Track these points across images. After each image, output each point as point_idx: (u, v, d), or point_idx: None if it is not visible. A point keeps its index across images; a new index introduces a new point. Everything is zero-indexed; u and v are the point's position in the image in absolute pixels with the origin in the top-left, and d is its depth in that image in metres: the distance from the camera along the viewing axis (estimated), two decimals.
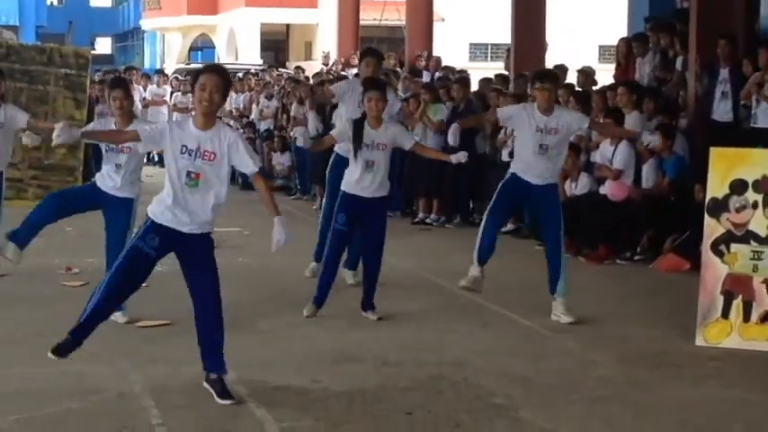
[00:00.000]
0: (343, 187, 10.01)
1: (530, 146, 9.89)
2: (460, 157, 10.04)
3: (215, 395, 7.32)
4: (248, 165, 7.40)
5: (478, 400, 7.54)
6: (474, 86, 18.14)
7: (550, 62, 18.22)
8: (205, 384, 7.41)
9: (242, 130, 23.96)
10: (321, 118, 18.68)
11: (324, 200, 11.95)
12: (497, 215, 10.24)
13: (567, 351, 8.98)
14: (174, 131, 7.28)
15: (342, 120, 11.14)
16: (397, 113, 12.37)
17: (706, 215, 9.32)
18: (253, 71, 28.59)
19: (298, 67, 29.57)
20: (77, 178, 18.75)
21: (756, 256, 9.12)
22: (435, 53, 23.49)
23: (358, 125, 9.82)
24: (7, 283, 11.54)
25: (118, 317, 9.72)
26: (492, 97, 16.41)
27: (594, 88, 15.99)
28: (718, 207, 9.25)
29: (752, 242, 9.14)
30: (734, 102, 13.77)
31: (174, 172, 7.25)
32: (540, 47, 19.23)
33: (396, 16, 31.59)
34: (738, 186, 9.19)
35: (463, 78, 17.99)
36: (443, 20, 37.98)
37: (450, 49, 34.51)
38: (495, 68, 23.06)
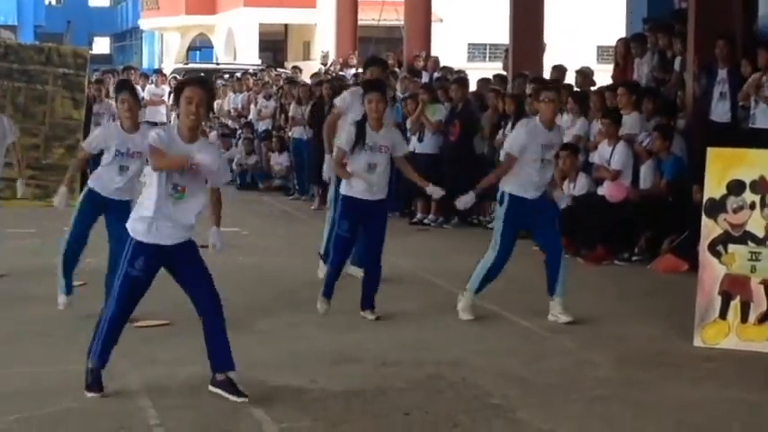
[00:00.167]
0: (343, 191, 9.99)
1: (534, 161, 9.82)
2: (436, 192, 10.01)
3: (229, 395, 7.31)
4: (218, 182, 7.49)
5: (476, 401, 7.54)
6: (472, 87, 18.14)
7: (549, 63, 18.23)
8: (213, 389, 7.39)
9: (240, 131, 23.98)
10: (319, 119, 18.65)
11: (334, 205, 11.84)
12: (507, 250, 10.04)
13: (565, 351, 8.99)
14: (165, 147, 7.23)
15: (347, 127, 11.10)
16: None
17: (703, 216, 9.33)
18: (251, 71, 28.59)
19: (295, 67, 29.57)
20: (76, 178, 18.71)
21: (754, 257, 9.12)
22: (434, 53, 23.49)
23: (360, 127, 9.82)
24: (6, 283, 11.55)
25: None
26: (490, 98, 16.42)
27: (593, 89, 16.00)
28: (716, 208, 9.25)
29: (749, 243, 9.15)
30: (732, 102, 13.77)
31: (161, 184, 7.23)
32: (539, 47, 19.23)
33: (394, 16, 31.59)
34: (736, 187, 9.19)
35: (461, 79, 17.99)
36: (442, 20, 37.97)
37: (449, 49, 34.50)
38: (493, 69, 23.06)
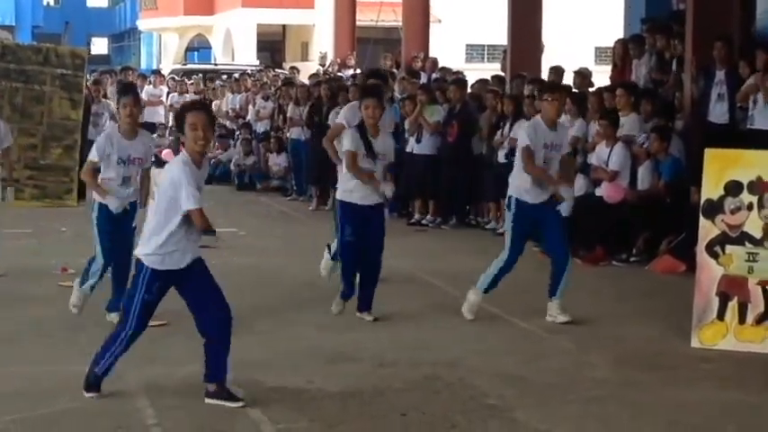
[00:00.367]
0: (339, 196, 9.97)
1: (537, 161, 9.78)
2: (387, 190, 9.96)
3: (225, 402, 7.30)
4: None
5: (473, 401, 7.55)
6: (470, 88, 18.13)
7: (547, 64, 18.23)
8: (211, 401, 7.36)
9: (238, 131, 23.98)
10: (317, 120, 18.68)
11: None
12: (517, 253, 10.02)
13: (562, 352, 8.99)
14: (192, 174, 7.22)
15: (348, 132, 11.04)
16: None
17: (701, 217, 9.33)
18: (249, 72, 28.58)
19: (293, 68, 29.56)
20: (73, 179, 18.75)
21: (751, 258, 9.12)
22: (432, 54, 23.48)
23: (362, 133, 9.80)
24: (4, 283, 11.54)
25: (113, 317, 9.72)
26: (488, 98, 16.42)
27: (591, 90, 15.99)
28: (713, 208, 9.25)
29: (747, 244, 9.15)
30: (730, 104, 13.77)
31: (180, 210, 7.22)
32: (537, 48, 19.23)
33: (392, 17, 31.62)
34: (733, 188, 9.19)
35: (459, 80, 17.99)
36: (440, 21, 37.96)
37: (447, 50, 34.48)
38: (491, 70, 23.07)
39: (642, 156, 13.66)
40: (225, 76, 29.11)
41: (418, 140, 16.82)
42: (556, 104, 9.82)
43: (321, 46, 35.36)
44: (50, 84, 18.58)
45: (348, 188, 9.86)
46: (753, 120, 13.24)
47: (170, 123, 27.52)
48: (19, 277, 11.83)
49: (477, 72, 23.63)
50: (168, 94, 27.90)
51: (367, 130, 9.84)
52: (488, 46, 43.15)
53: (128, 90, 10.17)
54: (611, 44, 18.41)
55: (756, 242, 9.13)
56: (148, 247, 7.31)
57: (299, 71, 27.75)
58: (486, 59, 42.82)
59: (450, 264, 13.22)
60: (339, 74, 24.23)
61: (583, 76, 16.81)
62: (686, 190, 12.73)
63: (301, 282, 11.59)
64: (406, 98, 17.45)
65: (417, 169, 16.81)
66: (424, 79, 20.62)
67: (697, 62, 14.34)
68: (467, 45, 44.47)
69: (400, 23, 25.39)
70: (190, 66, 37.48)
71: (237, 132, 24.12)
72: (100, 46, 69.01)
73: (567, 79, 17.01)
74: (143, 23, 52.81)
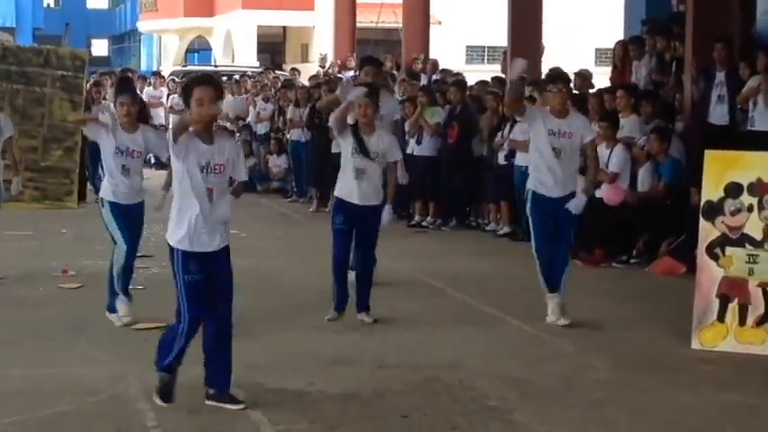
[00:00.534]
0: (336, 193, 9.95)
1: (543, 150, 9.77)
2: (385, 219, 9.91)
3: (225, 405, 7.28)
4: (241, 175, 7.48)
5: (474, 403, 7.55)
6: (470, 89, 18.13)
7: (547, 65, 18.22)
8: (211, 402, 7.34)
9: (238, 134, 23.97)
10: (318, 121, 18.67)
11: None
12: (543, 235, 9.92)
13: (563, 354, 8.98)
14: (191, 147, 7.13)
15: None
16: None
17: (701, 218, 9.33)
18: (249, 73, 28.58)
19: (293, 69, 29.55)
20: (73, 180, 18.77)
21: (752, 260, 9.12)
22: (432, 56, 23.48)
23: (354, 131, 9.75)
24: (4, 285, 11.54)
25: (114, 319, 9.73)
26: (489, 100, 16.42)
27: (591, 91, 16.00)
28: (714, 210, 9.25)
29: (747, 245, 9.15)
30: (730, 105, 13.77)
31: (198, 190, 7.14)
32: (537, 50, 19.21)
33: (392, 19, 31.58)
34: (733, 189, 9.19)
35: (460, 81, 18.00)
36: (440, 22, 37.93)
37: (447, 51, 34.46)
38: (491, 71, 23.05)
39: (642, 157, 13.66)
40: (225, 78, 29.11)
41: (419, 142, 16.83)
42: (559, 96, 9.77)
43: (321, 47, 35.35)
44: (51, 85, 18.59)
45: (346, 189, 9.78)
46: (753, 121, 13.25)
47: (170, 125, 27.55)
48: (19, 279, 11.84)
49: (477, 74, 23.63)
50: (168, 95, 27.90)
51: (360, 129, 9.80)
52: (488, 47, 43.10)
53: (124, 88, 10.16)
54: (612, 45, 18.41)
55: (757, 244, 9.13)
56: (175, 232, 7.23)
57: (299, 73, 27.74)
58: (486, 61, 42.80)
59: (450, 265, 13.23)
60: (339, 75, 24.22)
61: (583, 77, 16.81)
62: (686, 191, 12.72)
63: (302, 284, 11.59)
64: (407, 100, 17.44)
65: (418, 171, 16.76)
66: (424, 81, 20.63)
67: (697, 64, 14.34)
68: (467, 46, 44.43)
69: (400, 25, 25.40)
70: (190, 67, 37.43)
71: (238, 134, 24.12)
72: (100, 47, 69.01)
73: None
74: (143, 25, 52.79)
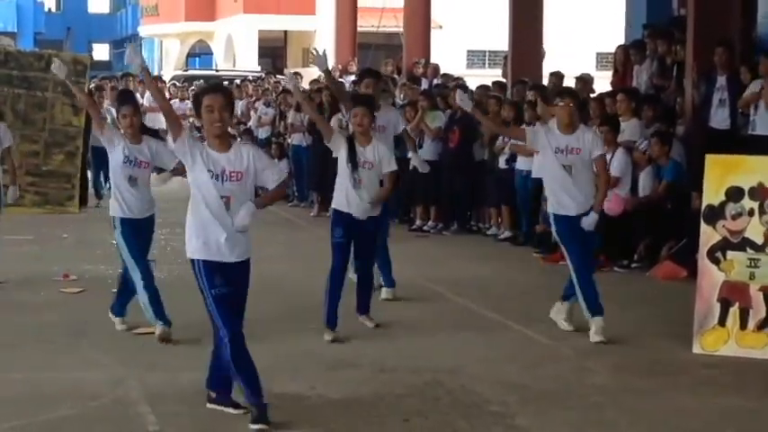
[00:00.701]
0: (333, 205, 9.82)
1: (554, 168, 9.61)
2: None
3: (226, 408, 7.27)
4: (267, 182, 7.25)
5: (475, 407, 7.55)
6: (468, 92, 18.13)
7: (548, 69, 18.24)
8: (213, 406, 7.33)
9: (239, 138, 23.98)
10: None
11: None
12: (578, 255, 9.63)
13: (563, 358, 8.99)
14: (198, 155, 7.05)
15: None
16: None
17: (702, 222, 9.33)
18: (250, 78, 28.59)
19: (296, 73, 29.55)
20: (75, 185, 18.78)
21: (753, 264, 9.12)
22: (433, 60, 23.49)
23: (349, 141, 9.64)
24: (6, 289, 11.55)
25: (117, 322, 9.71)
26: (491, 104, 16.42)
27: (592, 95, 16.00)
28: (715, 214, 9.25)
29: (748, 250, 9.15)
30: (731, 109, 13.77)
31: (209, 198, 7.03)
32: (538, 54, 19.25)
33: (393, 23, 31.58)
34: (734, 193, 9.20)
35: (460, 86, 18.00)
36: (441, 27, 37.94)
37: (448, 56, 34.45)
38: (492, 75, 23.07)
39: (643, 162, 13.66)
40: (226, 83, 29.13)
41: (420, 146, 16.83)
42: (567, 110, 9.62)
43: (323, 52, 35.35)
44: (52, 90, 18.59)
45: (343, 200, 9.65)
46: (754, 125, 13.25)
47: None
48: (20, 284, 11.84)
49: (478, 78, 23.64)
50: (170, 100, 27.90)
51: (355, 139, 9.68)
52: (489, 52, 43.14)
53: (126, 99, 10.10)
54: (613, 50, 18.42)
55: (758, 248, 9.13)
56: (190, 242, 7.11)
57: (302, 77, 27.76)
58: (487, 65, 42.84)
59: (451, 270, 13.23)
60: (340, 80, 24.23)
61: (584, 81, 16.83)
62: (687, 195, 12.72)
63: (303, 288, 11.58)
64: (408, 104, 17.45)
65: (418, 175, 16.76)
66: (425, 85, 20.64)
67: (698, 68, 14.34)
68: (468, 51, 44.46)
69: (401, 29, 25.41)
70: (191, 72, 37.49)
71: (239, 139, 24.14)
72: (101, 52, 69.02)
73: (569, 85, 17.04)
74: (144, 29, 52.83)
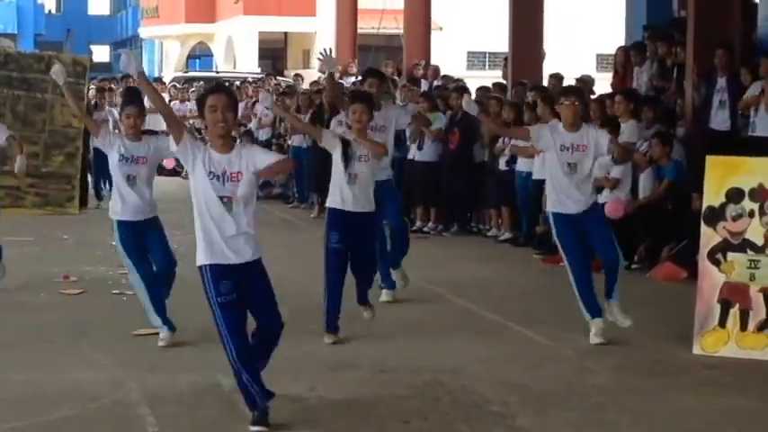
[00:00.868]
0: (328, 204, 9.77)
1: (557, 166, 9.56)
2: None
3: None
4: (259, 163, 7.11)
5: (475, 408, 7.55)
6: (472, 95, 18.14)
7: (548, 71, 18.24)
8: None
9: (239, 139, 23.99)
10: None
11: None
12: (577, 257, 9.63)
13: (564, 358, 8.99)
14: (204, 156, 7.00)
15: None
16: (408, 124, 12.29)
17: (702, 224, 9.32)
18: (249, 80, 28.59)
19: (297, 75, 29.58)
20: (75, 186, 18.77)
21: (753, 265, 9.12)
22: (433, 62, 23.50)
23: (344, 140, 9.59)
24: (6, 290, 11.53)
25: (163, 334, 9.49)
26: (491, 105, 16.42)
27: (592, 97, 16.00)
28: (715, 216, 9.25)
29: (748, 251, 9.14)
30: (731, 111, 13.78)
31: (210, 201, 6.98)
32: (538, 55, 19.25)
33: (394, 25, 31.57)
34: (735, 195, 9.19)
35: (461, 87, 18.01)
36: (441, 28, 37.95)
37: (448, 57, 34.46)
38: (492, 77, 23.08)
39: (643, 163, 13.66)
40: (227, 84, 29.14)
41: (420, 148, 16.84)
42: (571, 108, 9.60)
43: None
44: (52, 91, 18.57)
45: (338, 196, 9.62)
46: (754, 127, 13.26)
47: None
48: (21, 285, 11.83)
49: (478, 79, 23.66)
50: (170, 101, 27.90)
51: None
52: (490, 53, 43.16)
53: (132, 100, 10.00)
54: (613, 51, 18.43)
55: (758, 249, 9.13)
56: (197, 250, 7.07)
57: (303, 79, 27.77)
58: (487, 67, 42.85)
59: (451, 271, 13.23)
60: (340, 81, 24.24)
61: (584, 83, 16.82)
62: (687, 197, 12.72)
63: (303, 289, 11.56)
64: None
65: (418, 176, 16.82)
66: (425, 87, 20.65)
67: (698, 69, 14.35)
68: (468, 52, 44.48)
69: (402, 31, 25.42)
70: (191, 73, 37.47)
71: (239, 140, 24.14)
72: (101, 54, 69.03)
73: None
74: (144, 31, 52.86)
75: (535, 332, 9.81)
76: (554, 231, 9.79)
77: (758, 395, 7.98)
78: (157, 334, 9.31)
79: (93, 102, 21.15)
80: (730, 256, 9.18)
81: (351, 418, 7.30)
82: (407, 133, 16.97)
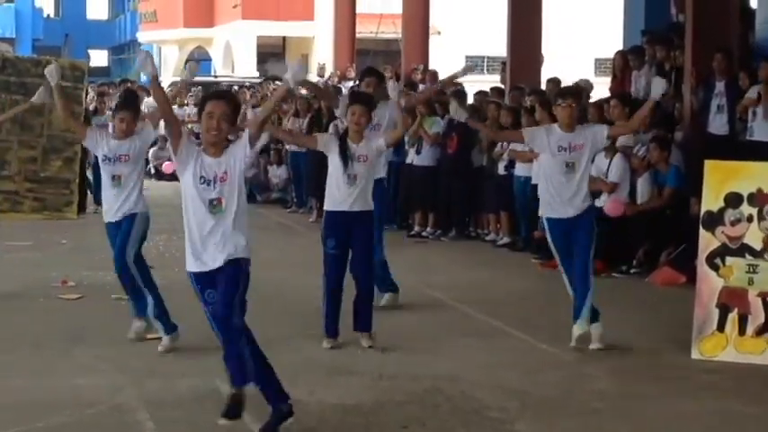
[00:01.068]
0: (325, 206, 9.66)
1: (554, 168, 9.50)
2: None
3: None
4: (245, 143, 7.10)
5: (474, 414, 7.54)
6: (470, 99, 18.13)
7: (546, 75, 18.24)
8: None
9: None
10: (317, 132, 18.67)
11: None
12: (566, 263, 9.56)
13: (562, 364, 8.98)
14: (197, 161, 6.95)
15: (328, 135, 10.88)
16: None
17: (701, 228, 9.33)
18: (247, 84, 28.59)
19: None
20: (73, 191, 18.74)
21: (752, 270, 9.12)
22: (431, 66, 23.51)
23: (341, 139, 9.58)
24: (4, 295, 11.53)
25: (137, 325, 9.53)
26: (490, 109, 16.41)
27: (591, 101, 15.99)
28: (713, 220, 9.26)
29: (747, 255, 9.15)
30: (730, 115, 13.80)
31: (195, 204, 6.91)
32: (537, 60, 19.26)
33: (392, 29, 31.65)
34: (733, 199, 9.20)
35: (459, 91, 17.98)
36: (439, 33, 37.95)
37: (446, 61, 34.43)
38: (491, 81, 23.08)
39: (641, 168, 13.66)
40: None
41: (418, 152, 16.84)
42: (568, 110, 9.57)
43: (321, 58, 35.38)
44: (50, 96, 18.55)
45: (336, 197, 9.56)
46: (752, 131, 13.27)
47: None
48: (19, 290, 11.82)
49: (476, 84, 23.64)
50: None
51: (348, 136, 9.60)
52: (488, 58, 43.15)
53: (128, 103, 9.97)
54: (611, 55, 18.42)
55: (756, 254, 9.13)
56: (186, 254, 7.00)
57: None
58: (485, 71, 42.85)
59: (450, 276, 13.22)
60: (338, 85, 24.24)
61: (582, 87, 16.81)
62: (686, 201, 12.72)
63: (301, 294, 11.57)
64: (405, 110, 17.41)
65: (417, 181, 16.82)
66: None
67: (697, 73, 14.36)
68: (466, 57, 44.29)
69: (400, 35, 25.44)
70: (195, 77, 37.38)
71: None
72: (100, 58, 69.03)
73: None
74: (143, 36, 52.84)
75: (534, 337, 9.80)
76: (548, 236, 9.78)
77: (757, 400, 7.97)
78: (156, 339, 9.31)
79: (93, 106, 21.14)
80: (729, 260, 9.19)
81: (349, 423, 7.29)
82: (406, 138, 16.98)
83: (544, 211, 9.73)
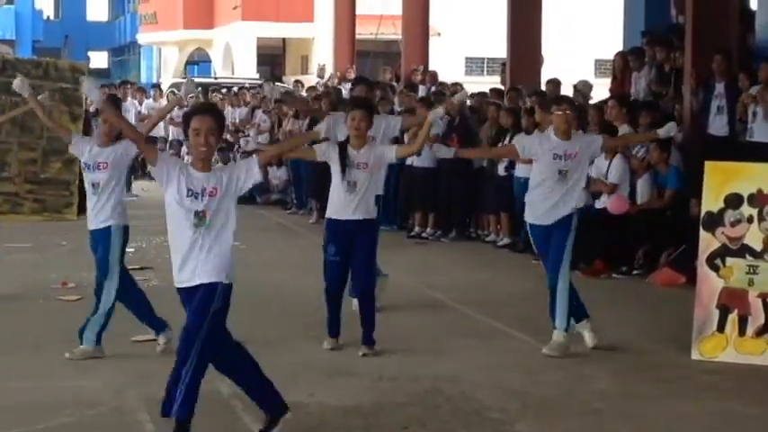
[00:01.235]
0: (327, 214, 9.63)
1: (547, 174, 9.48)
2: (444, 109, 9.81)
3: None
4: (252, 170, 7.08)
5: (475, 415, 7.54)
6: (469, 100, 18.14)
7: (546, 76, 18.25)
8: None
9: (237, 145, 24.00)
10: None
11: None
12: (555, 265, 9.44)
13: (563, 365, 8.97)
14: (183, 174, 6.82)
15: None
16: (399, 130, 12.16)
17: (701, 229, 9.33)
18: (247, 85, 28.59)
19: (297, 81, 29.59)
20: (73, 192, 18.75)
21: (752, 270, 9.12)
22: (431, 67, 23.50)
23: (342, 147, 9.54)
24: (4, 297, 11.53)
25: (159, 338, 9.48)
26: (490, 111, 16.42)
27: (591, 102, 16.01)
28: (714, 221, 9.26)
29: (747, 256, 9.15)
30: (729, 116, 13.80)
31: (178, 217, 6.81)
32: (536, 61, 19.26)
33: (392, 30, 31.62)
34: (733, 200, 9.20)
35: (456, 93, 17.96)
36: (439, 34, 37.96)
37: (446, 63, 34.49)
38: (491, 83, 23.09)
39: (640, 169, 13.67)
40: (225, 90, 29.15)
41: (418, 154, 16.82)
42: (563, 117, 9.55)
43: (321, 59, 35.39)
44: (50, 98, 18.55)
45: (337, 205, 9.51)
46: (752, 132, 13.28)
47: (170, 137, 27.56)
48: (19, 291, 11.82)
49: (476, 85, 23.65)
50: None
51: (349, 142, 9.56)
52: (488, 59, 43.16)
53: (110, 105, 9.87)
54: (611, 57, 18.43)
55: (757, 255, 9.13)
56: (173, 266, 6.93)
57: (302, 85, 27.78)
58: (485, 72, 42.86)
59: (450, 277, 13.22)
60: (338, 87, 24.24)
61: (581, 92, 16.81)
62: (686, 202, 12.72)
63: (302, 295, 11.57)
64: (405, 111, 17.44)
65: (417, 182, 16.82)
66: (423, 92, 20.64)
67: (696, 75, 14.36)
68: (466, 58, 44.47)
69: (400, 37, 25.43)
70: (195, 79, 37.43)
71: (237, 146, 24.15)
72: (100, 60, 69.05)
73: (566, 92, 17.04)
74: (143, 37, 52.87)
75: (535, 338, 9.79)
76: (532, 241, 9.76)
77: (757, 401, 7.97)
78: (156, 340, 9.30)
79: (93, 108, 21.11)
80: (729, 261, 9.19)
81: (350, 424, 7.29)
82: (406, 139, 16.97)
83: (527, 216, 9.72)
